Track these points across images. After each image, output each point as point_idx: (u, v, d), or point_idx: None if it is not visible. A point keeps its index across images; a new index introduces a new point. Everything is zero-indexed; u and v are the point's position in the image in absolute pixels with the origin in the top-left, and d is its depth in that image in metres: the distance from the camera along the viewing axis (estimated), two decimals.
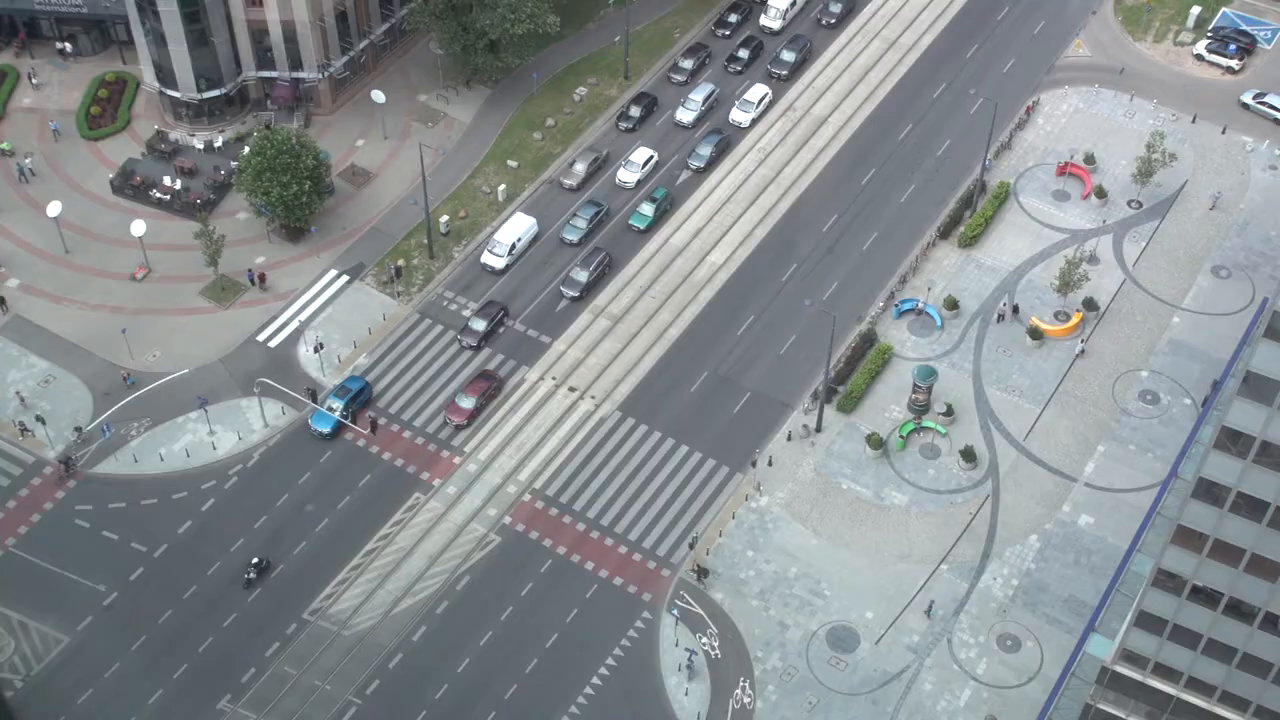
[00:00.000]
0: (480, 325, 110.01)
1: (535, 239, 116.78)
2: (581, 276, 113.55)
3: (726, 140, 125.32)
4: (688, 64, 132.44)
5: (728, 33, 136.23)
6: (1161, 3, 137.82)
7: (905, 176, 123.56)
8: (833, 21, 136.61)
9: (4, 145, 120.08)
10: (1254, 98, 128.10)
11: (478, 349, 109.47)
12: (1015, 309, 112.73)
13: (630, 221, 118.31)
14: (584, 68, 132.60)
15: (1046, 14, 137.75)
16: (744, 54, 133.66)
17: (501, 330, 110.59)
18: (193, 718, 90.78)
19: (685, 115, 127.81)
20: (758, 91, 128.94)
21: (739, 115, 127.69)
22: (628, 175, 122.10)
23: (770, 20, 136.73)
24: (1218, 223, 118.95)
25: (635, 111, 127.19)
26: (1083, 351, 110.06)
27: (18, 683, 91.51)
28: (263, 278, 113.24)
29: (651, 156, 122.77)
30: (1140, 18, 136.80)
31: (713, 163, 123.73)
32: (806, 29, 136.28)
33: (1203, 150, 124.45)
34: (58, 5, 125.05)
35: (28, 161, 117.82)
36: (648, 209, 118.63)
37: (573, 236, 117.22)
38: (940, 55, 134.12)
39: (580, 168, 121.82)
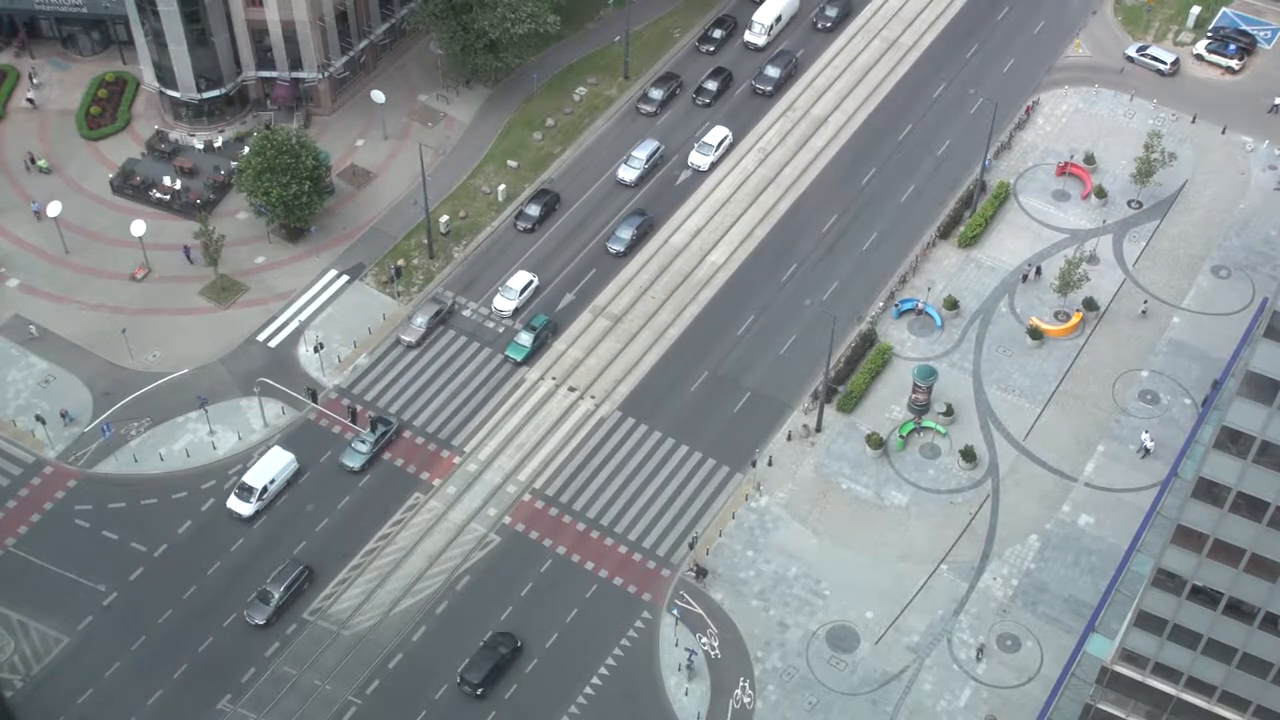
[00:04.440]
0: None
1: (296, 476, 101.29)
2: (270, 594, 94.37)
3: (650, 222, 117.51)
4: (657, 94, 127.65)
5: (712, 49, 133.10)
6: (1161, 3, 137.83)
7: (905, 176, 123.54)
8: (828, 26, 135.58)
9: (41, 163, 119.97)
10: (1137, 50, 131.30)
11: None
12: (1038, 270, 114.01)
13: (506, 353, 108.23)
14: (584, 68, 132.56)
15: (1046, 14, 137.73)
16: (712, 86, 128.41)
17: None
18: (193, 718, 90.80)
19: (628, 174, 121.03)
20: (717, 134, 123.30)
21: (697, 159, 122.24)
22: (504, 303, 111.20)
23: (755, 37, 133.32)
24: (1218, 223, 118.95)
25: (534, 210, 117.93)
26: (1144, 312, 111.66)
27: (18, 683, 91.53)
28: (206, 247, 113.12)
29: (531, 281, 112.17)
30: (1140, 18, 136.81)
31: (634, 246, 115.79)
32: (803, 33, 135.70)
33: (1202, 150, 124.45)
34: (58, 5, 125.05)
35: (37, 208, 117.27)
36: (525, 338, 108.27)
37: (353, 463, 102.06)
38: (940, 55, 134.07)
39: (421, 321, 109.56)
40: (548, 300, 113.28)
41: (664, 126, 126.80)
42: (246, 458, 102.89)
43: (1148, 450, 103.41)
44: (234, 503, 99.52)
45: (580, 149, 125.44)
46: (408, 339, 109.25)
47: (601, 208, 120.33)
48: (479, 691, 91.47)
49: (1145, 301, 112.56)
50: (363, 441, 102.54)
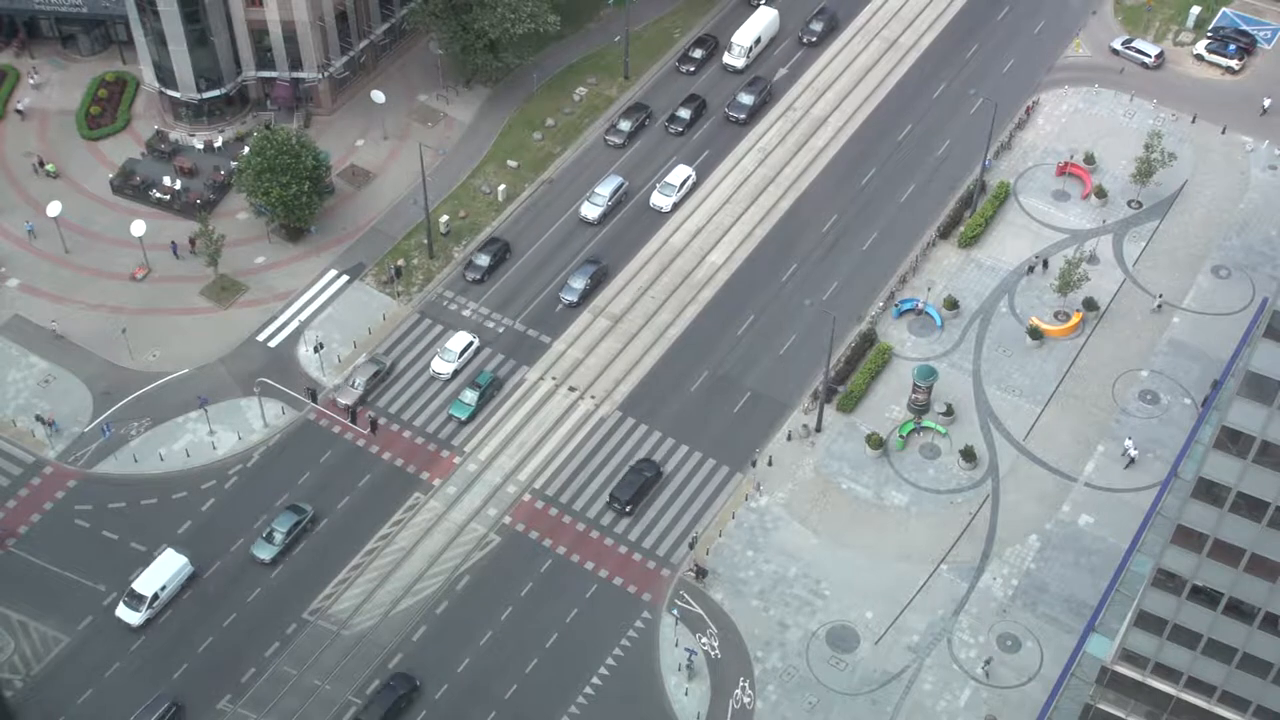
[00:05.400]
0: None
1: (191, 579, 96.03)
2: None
3: (604, 270, 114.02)
4: (625, 125, 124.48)
5: (692, 69, 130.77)
6: (1161, 3, 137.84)
7: (905, 176, 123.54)
8: (814, 40, 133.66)
9: (49, 168, 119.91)
10: (1123, 43, 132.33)
11: None
12: (1045, 263, 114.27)
13: (451, 411, 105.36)
14: (584, 68, 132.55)
15: (1046, 14, 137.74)
16: (685, 114, 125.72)
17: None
18: (193, 718, 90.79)
19: (590, 211, 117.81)
20: (680, 174, 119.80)
21: (659, 200, 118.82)
22: (443, 366, 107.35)
23: (734, 59, 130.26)
24: (1218, 223, 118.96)
25: (483, 260, 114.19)
26: (1159, 308, 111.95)
27: (18, 683, 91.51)
28: (192, 242, 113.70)
29: (471, 342, 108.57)
30: (1140, 18, 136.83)
31: (587, 296, 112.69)
32: (789, 48, 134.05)
33: (1202, 150, 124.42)
34: (58, 5, 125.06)
35: (29, 225, 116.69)
36: (470, 396, 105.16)
37: (264, 555, 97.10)
38: (940, 55, 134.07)
39: (359, 383, 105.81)
40: (493, 354, 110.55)
41: (634, 158, 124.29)
42: (246, 458, 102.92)
43: (1132, 459, 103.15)
44: (123, 611, 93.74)
45: (580, 148, 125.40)
46: (345, 402, 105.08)
47: (561, 249, 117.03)
48: (628, 509, 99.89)
49: (1160, 296, 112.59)
50: (276, 530, 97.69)
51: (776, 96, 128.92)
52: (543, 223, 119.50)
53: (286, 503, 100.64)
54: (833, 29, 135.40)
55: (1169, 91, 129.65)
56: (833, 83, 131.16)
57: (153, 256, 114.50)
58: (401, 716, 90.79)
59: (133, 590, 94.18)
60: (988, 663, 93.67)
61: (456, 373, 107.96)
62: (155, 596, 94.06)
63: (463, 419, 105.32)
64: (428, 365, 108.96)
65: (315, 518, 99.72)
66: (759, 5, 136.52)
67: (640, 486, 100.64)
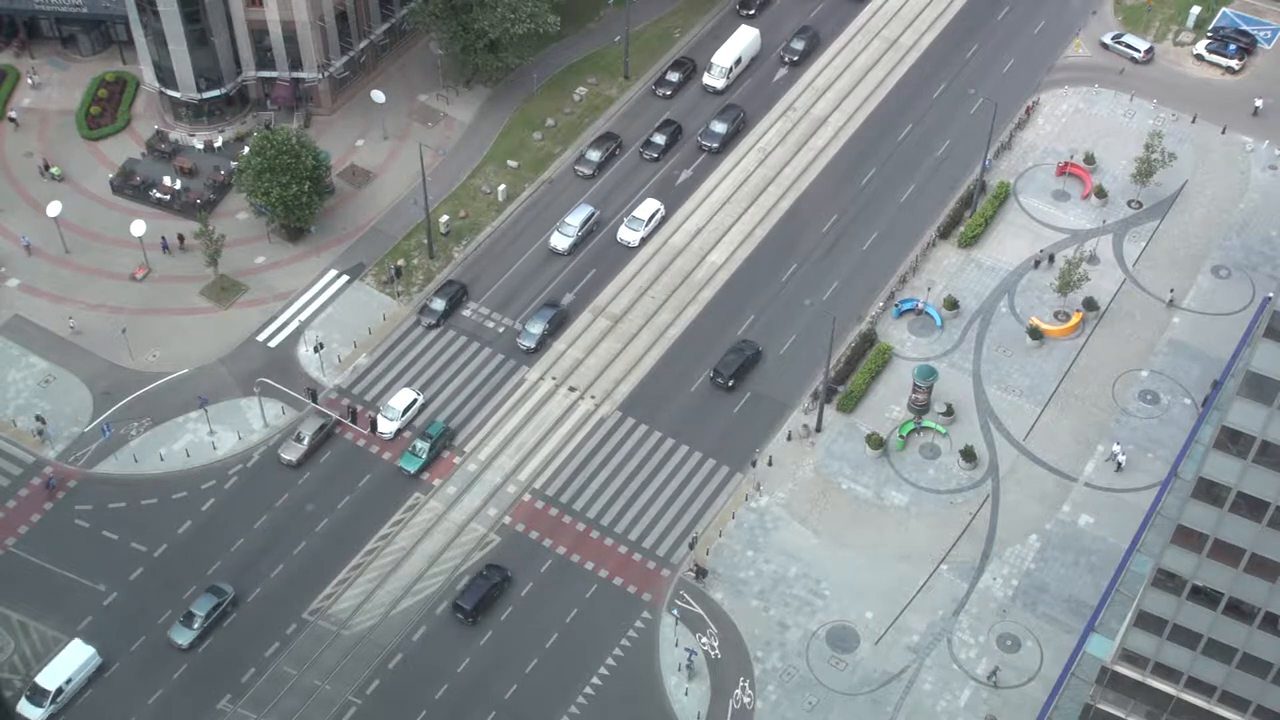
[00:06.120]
0: None
1: (99, 671, 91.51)
2: None
3: (563, 314, 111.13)
4: (595, 155, 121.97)
5: (669, 93, 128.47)
6: (1161, 3, 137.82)
7: (905, 176, 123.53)
8: (795, 59, 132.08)
9: (54, 170, 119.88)
10: (1113, 38, 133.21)
11: None
12: (1051, 258, 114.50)
13: (400, 464, 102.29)
14: (584, 68, 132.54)
15: (1046, 14, 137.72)
16: (660, 140, 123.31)
17: None
18: (193, 718, 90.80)
19: (560, 241, 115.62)
20: (648, 208, 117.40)
21: (627, 234, 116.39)
22: (386, 425, 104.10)
23: (714, 79, 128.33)
24: (1218, 223, 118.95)
25: (439, 305, 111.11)
26: (1171, 302, 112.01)
27: (18, 683, 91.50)
28: (181, 239, 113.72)
29: (415, 400, 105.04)
30: (1140, 18, 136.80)
31: (544, 342, 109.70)
32: (771, 66, 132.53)
33: (1202, 150, 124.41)
34: (58, 5, 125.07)
35: (25, 239, 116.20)
36: (421, 448, 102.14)
37: (181, 640, 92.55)
38: (940, 55, 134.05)
39: (305, 436, 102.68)
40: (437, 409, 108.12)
41: (605, 186, 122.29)
42: (246, 458, 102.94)
43: (1120, 464, 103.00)
44: (25, 708, 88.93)
45: (581, 148, 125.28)
46: (288, 458, 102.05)
47: (528, 283, 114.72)
48: (730, 384, 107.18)
49: (1171, 291, 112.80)
50: (195, 614, 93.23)
51: (750, 124, 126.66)
52: (512, 253, 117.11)
53: (286, 503, 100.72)
54: (814, 47, 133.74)
55: (1169, 91, 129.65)
56: (833, 83, 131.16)
57: (153, 256, 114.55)
58: (495, 604, 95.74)
59: (35, 685, 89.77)
60: (994, 673, 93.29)
61: (400, 431, 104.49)
62: (59, 691, 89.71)
63: (411, 472, 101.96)
64: (426, 367, 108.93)
65: (236, 599, 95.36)
66: (748, 14, 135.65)
67: (741, 365, 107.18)
